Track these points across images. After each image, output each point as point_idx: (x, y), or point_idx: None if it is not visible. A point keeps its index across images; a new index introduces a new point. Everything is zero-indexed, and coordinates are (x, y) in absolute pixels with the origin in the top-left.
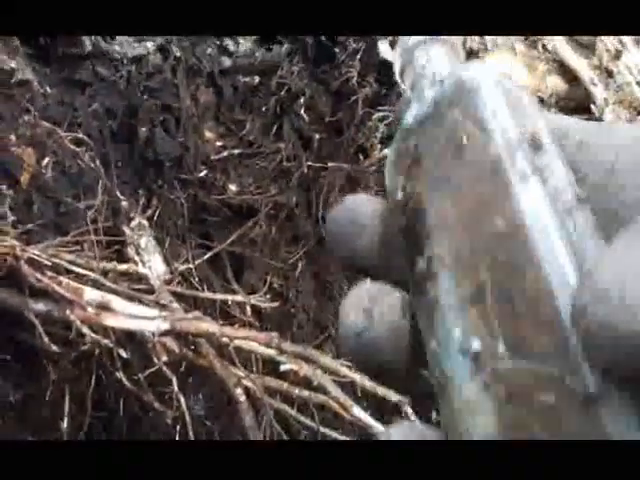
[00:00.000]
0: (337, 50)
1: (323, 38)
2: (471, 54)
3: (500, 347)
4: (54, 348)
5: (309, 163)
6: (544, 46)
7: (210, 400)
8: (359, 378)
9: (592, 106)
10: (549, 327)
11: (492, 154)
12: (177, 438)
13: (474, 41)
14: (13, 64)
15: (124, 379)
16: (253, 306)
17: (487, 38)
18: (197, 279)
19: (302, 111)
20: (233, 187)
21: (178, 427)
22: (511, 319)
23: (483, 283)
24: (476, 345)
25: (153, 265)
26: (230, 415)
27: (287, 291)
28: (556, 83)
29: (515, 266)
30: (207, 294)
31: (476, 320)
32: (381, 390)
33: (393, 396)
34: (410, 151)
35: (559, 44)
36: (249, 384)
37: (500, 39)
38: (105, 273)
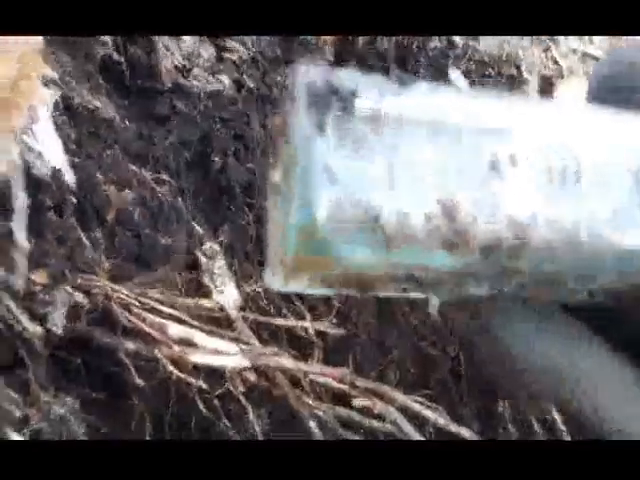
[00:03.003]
0: None
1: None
2: (545, 81)
3: None
4: (141, 383)
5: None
6: None
7: (273, 417)
8: (431, 415)
9: None
10: None
11: None
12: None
13: (548, 68)
14: (98, 103)
15: (201, 406)
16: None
17: (562, 65)
18: (265, 300)
19: None
20: None
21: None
22: None
23: None
24: None
25: (227, 291)
26: (294, 429)
27: (349, 310)
28: None
29: None
30: (279, 321)
31: None
32: (454, 427)
33: (466, 433)
34: None
35: None
36: (321, 414)
37: (576, 66)
38: (187, 308)
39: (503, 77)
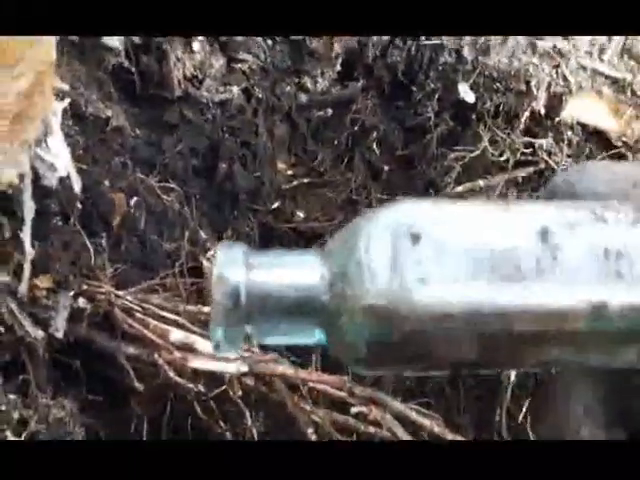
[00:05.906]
0: (414, 88)
1: (400, 76)
2: (554, 97)
3: None
4: (141, 387)
5: (378, 195)
6: (632, 90)
7: (269, 418)
8: (428, 423)
9: None
10: None
11: None
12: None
13: (558, 85)
14: (109, 112)
15: (198, 409)
16: None
17: (572, 81)
18: None
19: (374, 145)
20: (301, 214)
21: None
22: None
23: None
24: None
25: None
26: (290, 434)
27: None
28: None
29: None
30: None
31: None
32: (450, 435)
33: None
34: None
35: None
36: (317, 419)
37: (585, 82)
38: (189, 314)
39: (512, 92)
